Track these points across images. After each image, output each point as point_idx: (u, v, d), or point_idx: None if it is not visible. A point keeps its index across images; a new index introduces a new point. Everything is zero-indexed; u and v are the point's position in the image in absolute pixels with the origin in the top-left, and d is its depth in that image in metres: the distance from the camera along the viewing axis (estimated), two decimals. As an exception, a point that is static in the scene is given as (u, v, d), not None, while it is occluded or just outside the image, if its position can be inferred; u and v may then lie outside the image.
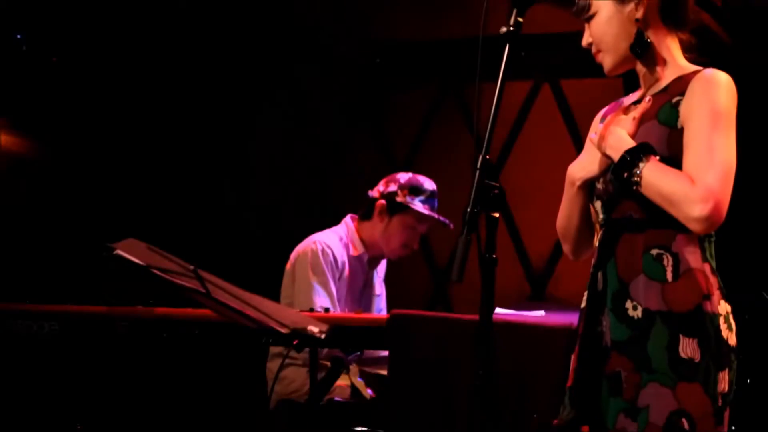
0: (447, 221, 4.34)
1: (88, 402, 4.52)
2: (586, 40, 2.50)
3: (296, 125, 5.94)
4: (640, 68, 2.48)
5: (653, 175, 2.31)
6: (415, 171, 4.38)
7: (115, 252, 2.81)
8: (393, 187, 4.32)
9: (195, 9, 5.76)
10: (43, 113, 5.76)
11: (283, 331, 2.78)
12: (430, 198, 4.33)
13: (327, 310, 4.06)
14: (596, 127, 2.54)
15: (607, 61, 2.49)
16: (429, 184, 4.35)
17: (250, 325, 2.88)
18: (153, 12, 5.77)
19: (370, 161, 5.84)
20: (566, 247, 2.61)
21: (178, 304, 3.79)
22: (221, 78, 5.93)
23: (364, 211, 4.38)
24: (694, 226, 2.30)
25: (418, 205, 4.31)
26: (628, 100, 2.55)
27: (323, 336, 2.78)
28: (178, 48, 5.80)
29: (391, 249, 4.38)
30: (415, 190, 4.32)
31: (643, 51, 2.44)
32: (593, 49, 2.50)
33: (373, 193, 4.38)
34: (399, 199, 4.30)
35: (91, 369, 4.43)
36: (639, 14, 2.43)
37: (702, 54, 2.50)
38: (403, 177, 4.36)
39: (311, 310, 4.03)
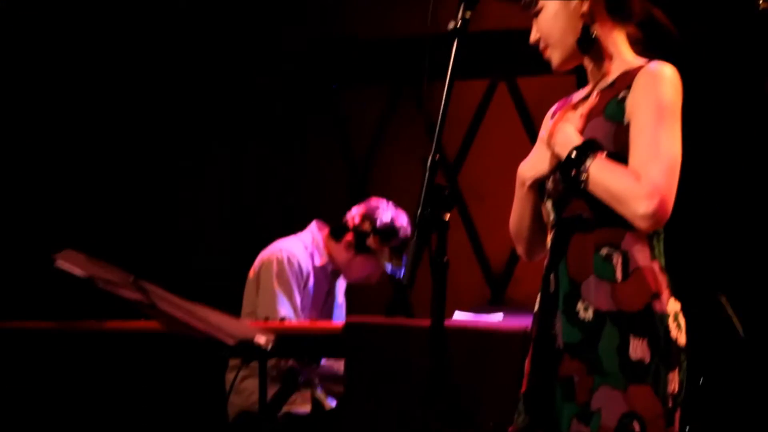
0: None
1: (42, 419, 4.44)
2: (534, 36, 2.46)
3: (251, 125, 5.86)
4: (588, 63, 2.44)
5: (600, 172, 2.27)
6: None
7: (55, 264, 2.74)
8: (367, 226, 4.22)
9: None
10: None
11: (230, 342, 2.73)
12: (401, 246, 4.23)
13: (283, 319, 4.00)
14: (547, 124, 2.49)
15: (554, 57, 2.44)
16: (404, 231, 4.25)
17: (196, 336, 2.82)
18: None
19: (329, 157, 5.76)
20: (519, 249, 2.56)
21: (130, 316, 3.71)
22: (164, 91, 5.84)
23: (335, 230, 4.30)
24: (640, 224, 2.26)
25: (385, 254, 4.23)
26: (577, 96, 2.51)
27: (270, 346, 2.73)
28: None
29: (351, 278, 4.37)
30: (388, 236, 4.22)
31: (589, 46, 2.40)
32: (541, 45, 2.46)
33: (348, 218, 4.28)
34: (369, 242, 4.22)
35: (43, 385, 4.35)
36: (584, 9, 2.39)
37: (651, 48, 2.46)
38: (381, 217, 4.24)
39: (267, 318, 3.97)
